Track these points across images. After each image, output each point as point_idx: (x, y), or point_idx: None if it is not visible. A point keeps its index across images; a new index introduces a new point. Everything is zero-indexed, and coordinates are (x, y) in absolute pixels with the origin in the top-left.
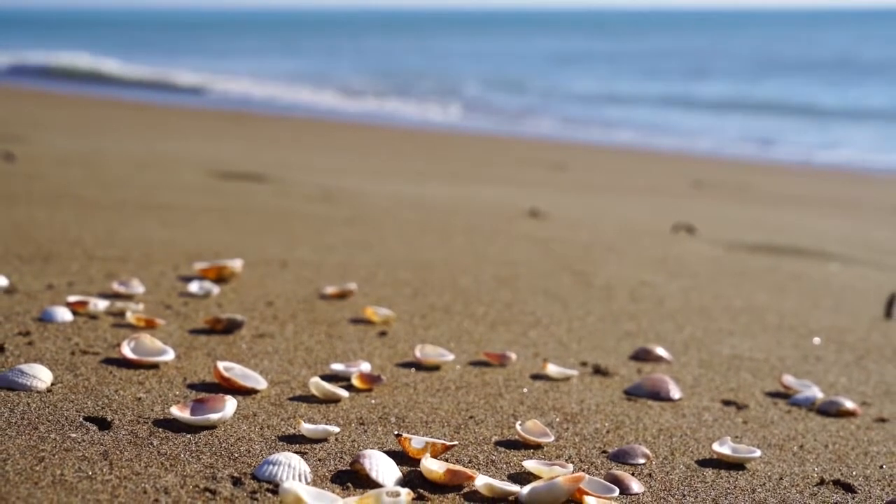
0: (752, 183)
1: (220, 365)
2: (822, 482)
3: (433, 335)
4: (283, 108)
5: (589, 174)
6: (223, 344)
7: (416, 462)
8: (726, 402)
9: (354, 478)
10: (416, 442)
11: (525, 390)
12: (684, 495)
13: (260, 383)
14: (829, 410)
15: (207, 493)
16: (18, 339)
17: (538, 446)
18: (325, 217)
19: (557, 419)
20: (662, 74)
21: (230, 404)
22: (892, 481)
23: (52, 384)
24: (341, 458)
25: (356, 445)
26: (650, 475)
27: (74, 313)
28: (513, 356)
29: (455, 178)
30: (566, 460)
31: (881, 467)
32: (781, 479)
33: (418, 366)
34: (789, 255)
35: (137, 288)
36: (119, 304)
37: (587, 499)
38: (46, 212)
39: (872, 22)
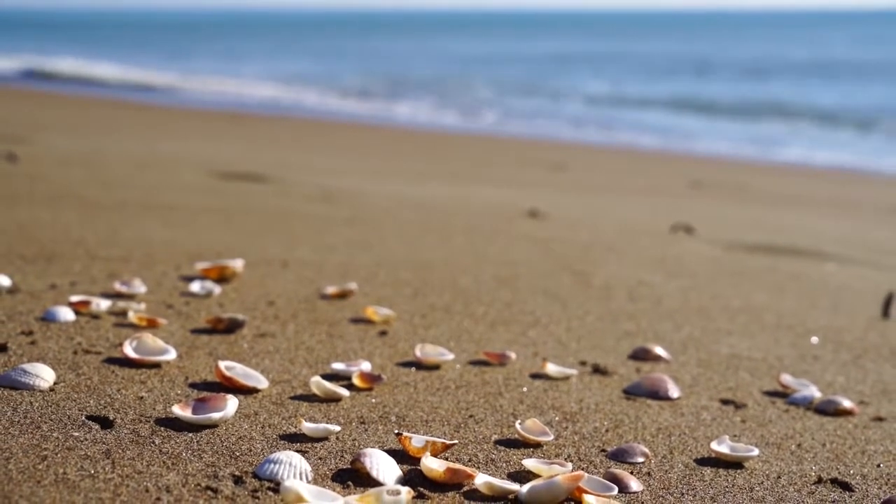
0: (750, 183)
1: (222, 364)
2: (819, 481)
3: (433, 335)
4: (282, 109)
5: (588, 174)
6: (225, 343)
7: (417, 461)
8: (724, 402)
9: (355, 476)
10: (416, 441)
11: (524, 389)
12: (683, 494)
13: (261, 382)
14: (827, 409)
15: (209, 492)
16: (21, 338)
17: (538, 445)
18: (326, 217)
19: (557, 418)
20: (662, 75)
21: (231, 403)
22: (889, 480)
23: (55, 383)
24: (342, 456)
25: (357, 444)
26: (649, 474)
27: (77, 313)
28: (512, 355)
29: (455, 179)
30: (565, 459)
31: (878, 466)
32: (779, 477)
33: (418, 365)
34: (787, 255)
35: (139, 288)
36: (121, 304)
37: (586, 497)
38: (49, 212)
39: (872, 24)
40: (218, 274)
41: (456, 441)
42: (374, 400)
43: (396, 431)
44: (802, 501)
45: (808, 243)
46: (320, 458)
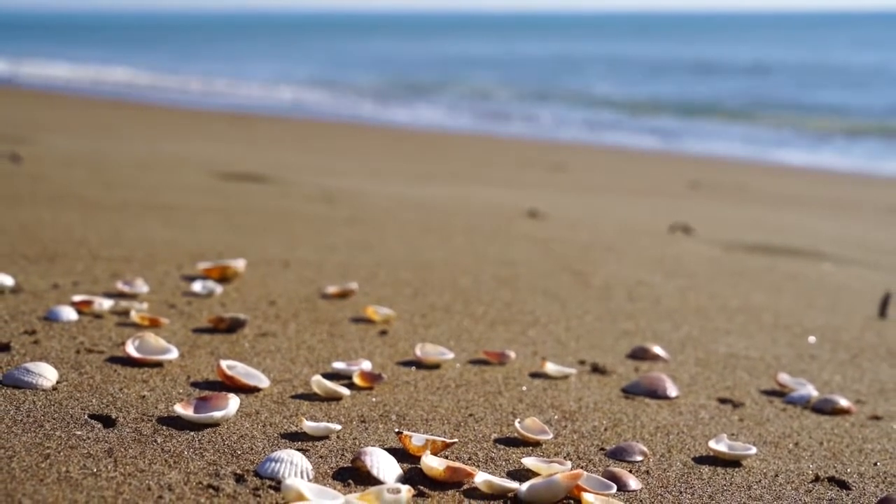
0: (748, 184)
1: (224, 363)
2: (817, 479)
3: (433, 334)
4: (283, 110)
5: (587, 175)
6: (226, 343)
7: (417, 459)
8: (722, 400)
9: (356, 475)
10: (416, 439)
11: (524, 388)
12: (681, 492)
13: (262, 381)
14: (824, 408)
15: (210, 490)
16: (24, 337)
17: (537, 444)
18: (327, 217)
19: (556, 417)
20: (661, 76)
21: (233, 402)
22: (886, 478)
23: (58, 382)
24: (343, 455)
25: (357, 443)
26: (647, 472)
27: (79, 312)
28: (512, 355)
29: (455, 179)
30: (564, 457)
31: (875, 464)
32: (777, 475)
33: (419, 364)
34: (785, 255)
35: (142, 287)
36: (123, 304)
37: (585, 495)
38: (51, 212)
39: (872, 25)
40: (219, 274)
41: (456, 440)
42: (374, 399)
43: (397, 430)
44: (800, 500)
45: (806, 243)
46: (321, 457)
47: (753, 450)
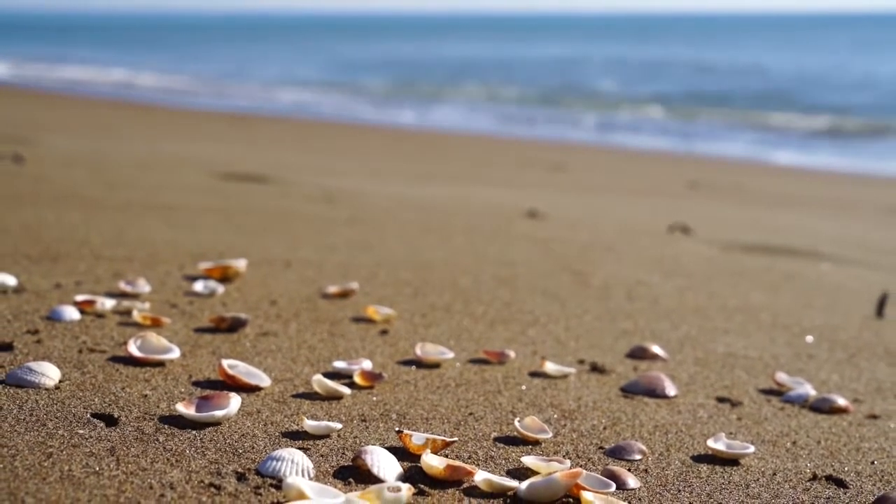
0: (746, 184)
1: (225, 363)
2: (814, 477)
3: (433, 334)
4: (283, 110)
5: (587, 175)
6: (228, 342)
7: (417, 458)
8: (721, 399)
9: (356, 473)
10: (416, 438)
11: (523, 388)
12: (679, 490)
13: (264, 381)
14: (822, 407)
15: (212, 489)
16: (27, 337)
17: (536, 442)
18: (327, 218)
19: (555, 416)
20: (660, 76)
21: (234, 401)
22: (883, 476)
23: (60, 381)
24: (343, 454)
25: (358, 441)
26: (646, 471)
27: (82, 312)
28: (511, 354)
29: (455, 179)
30: (564, 456)
31: (872, 463)
32: (775, 474)
33: (419, 363)
34: (783, 255)
35: (143, 287)
36: (125, 303)
37: (584, 494)
38: (54, 212)
39: (868, 26)
40: (221, 273)
41: (456, 438)
42: (375, 398)
43: (397, 429)
44: (797, 498)
45: (804, 243)
46: (322, 456)
47: (751, 448)
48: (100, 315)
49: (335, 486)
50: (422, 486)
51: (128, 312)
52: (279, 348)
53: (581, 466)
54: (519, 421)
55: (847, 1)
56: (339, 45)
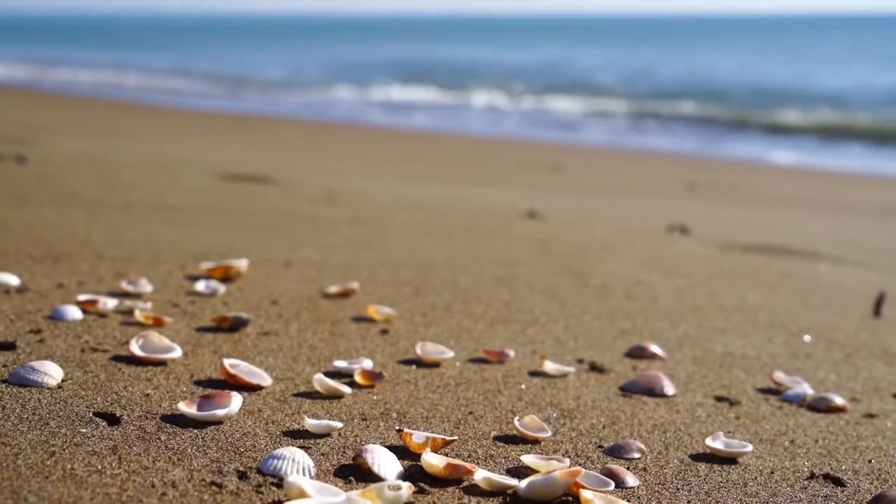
0: (744, 184)
1: (226, 362)
2: (812, 476)
3: (433, 333)
4: (283, 111)
5: (586, 176)
6: (229, 341)
7: (417, 457)
8: (719, 399)
9: (357, 472)
10: (416, 437)
11: (523, 387)
12: (678, 489)
13: (265, 380)
14: (820, 406)
15: (214, 487)
16: (30, 336)
17: (536, 441)
18: (328, 218)
19: (554, 415)
20: (659, 76)
21: (236, 400)
22: (880, 475)
23: (63, 381)
24: (344, 452)
25: (358, 440)
26: (645, 469)
27: (84, 312)
28: (511, 353)
29: (455, 180)
30: (563, 455)
31: (870, 462)
32: (773, 473)
33: (419, 363)
34: (781, 255)
35: (145, 287)
36: (128, 303)
37: (583, 492)
38: (57, 213)
39: (867, 27)
40: (222, 273)
41: (456, 437)
42: (375, 397)
43: (397, 428)
44: (795, 496)
45: (802, 243)
46: (323, 454)
47: (749, 447)
48: (102, 315)
49: (336, 485)
50: (422, 484)
51: (130, 312)
52: (280, 348)
53: (580, 465)
54: (518, 420)
55: (847, 1)
56: (339, 45)
